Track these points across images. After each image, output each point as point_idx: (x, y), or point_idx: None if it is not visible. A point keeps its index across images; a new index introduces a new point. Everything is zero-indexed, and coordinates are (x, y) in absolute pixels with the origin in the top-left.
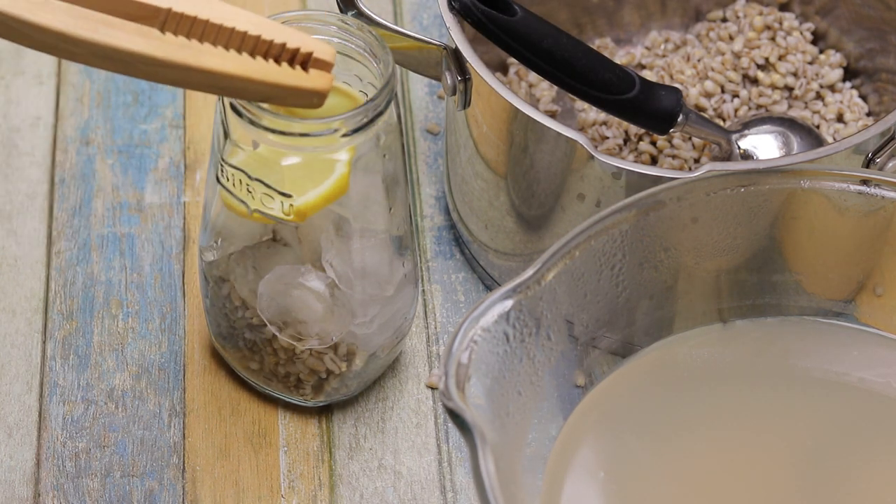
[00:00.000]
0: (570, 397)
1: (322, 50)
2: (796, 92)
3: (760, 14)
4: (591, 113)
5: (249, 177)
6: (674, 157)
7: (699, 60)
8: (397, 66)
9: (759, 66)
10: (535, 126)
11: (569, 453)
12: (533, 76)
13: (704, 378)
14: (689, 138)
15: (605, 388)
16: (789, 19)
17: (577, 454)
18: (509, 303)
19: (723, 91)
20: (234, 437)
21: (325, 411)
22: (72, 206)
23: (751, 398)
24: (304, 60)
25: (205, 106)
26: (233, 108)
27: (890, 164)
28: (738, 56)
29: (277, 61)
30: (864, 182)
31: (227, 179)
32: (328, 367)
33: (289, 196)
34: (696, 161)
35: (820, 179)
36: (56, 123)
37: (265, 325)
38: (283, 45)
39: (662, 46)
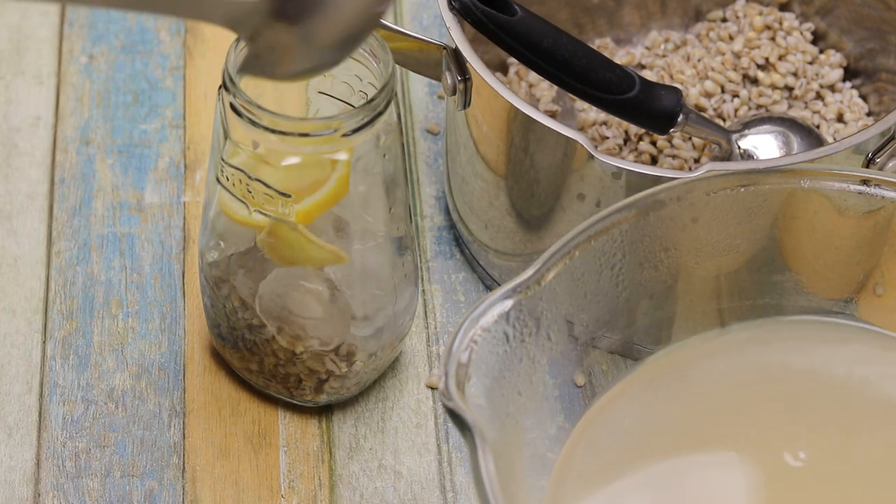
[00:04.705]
0: (571, 397)
1: None
2: (796, 92)
3: (760, 14)
4: (591, 113)
5: (249, 177)
6: (674, 156)
7: (699, 60)
8: (397, 66)
9: (759, 66)
10: (535, 126)
11: (575, 460)
12: (533, 76)
13: (708, 384)
14: (689, 138)
15: (611, 396)
16: (789, 19)
17: (582, 461)
18: (509, 303)
19: (723, 91)
20: (234, 437)
21: (325, 411)
22: (72, 206)
23: (753, 402)
24: None
25: (205, 106)
26: (233, 108)
27: (890, 164)
28: (738, 56)
29: None
30: (864, 182)
31: (227, 180)
32: (328, 368)
33: (289, 197)
34: (696, 161)
35: (820, 179)
36: (56, 123)
37: (265, 326)
38: None
39: (662, 46)
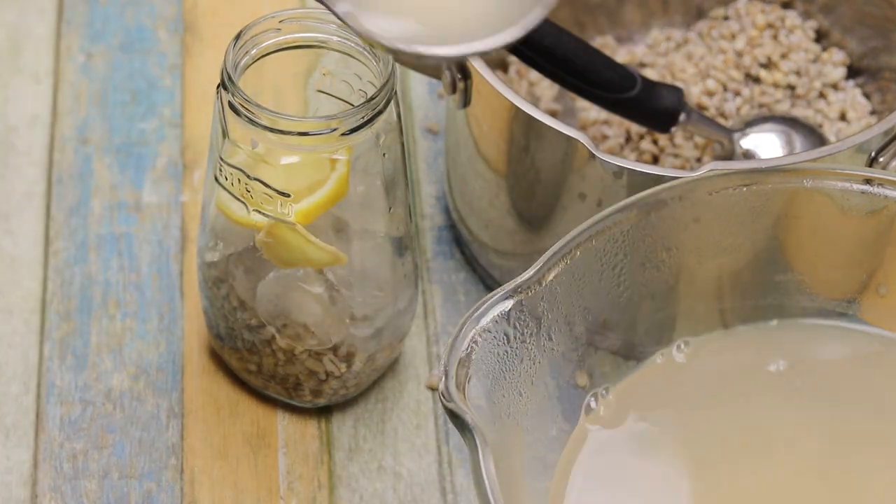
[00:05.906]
0: (571, 398)
1: None
2: (799, 90)
3: (762, 12)
4: (593, 112)
5: (248, 176)
6: (675, 156)
7: (701, 59)
8: (397, 64)
9: (761, 65)
10: (535, 125)
11: (577, 460)
12: (533, 74)
13: (711, 387)
14: (691, 137)
15: (616, 395)
16: (791, 17)
17: (584, 462)
18: (510, 303)
19: (725, 90)
20: (232, 438)
21: (324, 412)
22: (69, 205)
23: (757, 405)
24: None
25: (203, 105)
26: (231, 106)
27: (894, 163)
28: (740, 54)
29: None
30: (868, 181)
31: (226, 179)
32: (327, 369)
33: (288, 196)
34: (698, 160)
35: (823, 179)
36: (53, 122)
37: (264, 326)
38: None
39: (664, 45)
